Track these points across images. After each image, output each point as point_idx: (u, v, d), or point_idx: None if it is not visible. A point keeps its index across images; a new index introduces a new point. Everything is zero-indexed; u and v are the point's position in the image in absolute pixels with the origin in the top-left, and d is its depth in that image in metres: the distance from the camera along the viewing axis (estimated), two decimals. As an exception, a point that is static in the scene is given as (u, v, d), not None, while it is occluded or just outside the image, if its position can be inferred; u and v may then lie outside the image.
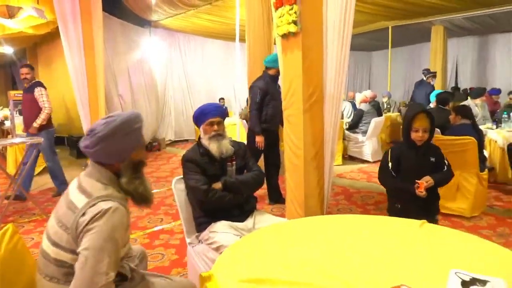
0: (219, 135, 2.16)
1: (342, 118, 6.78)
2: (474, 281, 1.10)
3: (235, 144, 2.28)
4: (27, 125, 4.45)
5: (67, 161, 6.60)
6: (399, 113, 8.72)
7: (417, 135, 2.29)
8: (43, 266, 1.33)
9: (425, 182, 2.25)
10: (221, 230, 2.01)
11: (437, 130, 3.71)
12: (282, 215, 3.28)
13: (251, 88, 4.05)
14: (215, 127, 2.15)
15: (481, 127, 4.51)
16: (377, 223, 1.70)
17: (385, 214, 2.48)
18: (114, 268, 1.25)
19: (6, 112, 7.69)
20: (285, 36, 2.74)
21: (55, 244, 1.29)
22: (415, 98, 7.31)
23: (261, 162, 4.02)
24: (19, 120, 5.57)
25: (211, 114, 2.17)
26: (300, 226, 1.70)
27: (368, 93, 6.52)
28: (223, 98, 9.58)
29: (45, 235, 1.35)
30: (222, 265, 1.29)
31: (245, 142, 3.77)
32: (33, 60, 9.36)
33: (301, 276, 1.19)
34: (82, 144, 1.37)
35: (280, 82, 3.08)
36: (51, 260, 1.30)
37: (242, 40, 5.16)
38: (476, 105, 5.63)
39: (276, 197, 4.13)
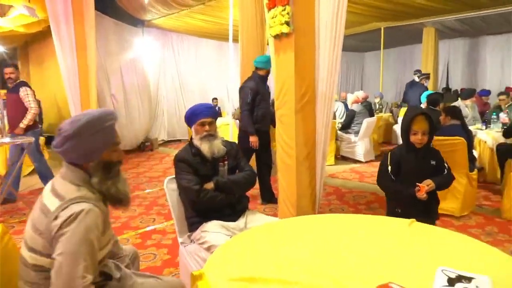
0: (211, 135, 2.16)
1: (335, 118, 6.82)
2: (460, 278, 1.12)
3: (227, 144, 2.28)
4: (12, 125, 4.37)
5: (57, 161, 6.52)
6: (391, 114, 8.80)
7: (416, 138, 2.26)
8: (23, 273, 1.30)
9: (426, 185, 2.23)
10: (212, 230, 2.02)
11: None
12: (275, 215, 3.29)
13: (241, 89, 4.06)
14: (207, 127, 2.15)
15: (471, 127, 4.57)
16: (367, 222, 1.72)
17: (376, 213, 2.49)
18: (92, 271, 1.23)
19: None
20: (277, 36, 2.76)
21: (32, 249, 1.27)
22: (408, 99, 7.35)
23: (252, 162, 4.03)
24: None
25: (202, 115, 2.17)
26: (291, 225, 1.71)
27: (360, 94, 6.57)
28: (216, 98, 9.56)
29: (23, 241, 1.32)
30: (214, 263, 1.29)
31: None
32: (24, 59, 9.25)
33: (292, 275, 1.20)
34: (53, 143, 1.33)
35: (270, 82, 3.10)
36: (29, 266, 1.28)
37: (235, 40, 5.18)
38: (466, 106, 5.71)
39: (269, 197, 4.14)
